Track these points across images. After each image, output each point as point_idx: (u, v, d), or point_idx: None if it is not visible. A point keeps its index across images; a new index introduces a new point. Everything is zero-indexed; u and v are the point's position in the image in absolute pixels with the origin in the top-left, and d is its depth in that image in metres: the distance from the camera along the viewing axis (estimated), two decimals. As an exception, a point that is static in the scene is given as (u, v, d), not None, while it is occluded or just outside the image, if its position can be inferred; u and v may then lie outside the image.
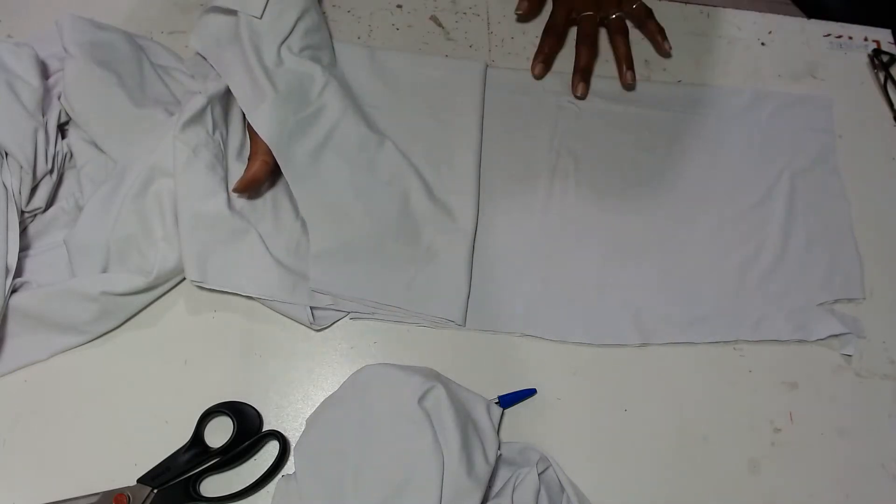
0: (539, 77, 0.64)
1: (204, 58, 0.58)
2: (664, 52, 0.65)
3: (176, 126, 0.53)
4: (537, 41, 0.71)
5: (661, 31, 0.66)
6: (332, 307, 0.54)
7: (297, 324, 0.54)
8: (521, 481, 0.46)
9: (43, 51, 0.58)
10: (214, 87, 0.56)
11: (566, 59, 0.70)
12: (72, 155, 0.57)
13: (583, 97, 0.63)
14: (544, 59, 0.64)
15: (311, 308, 0.53)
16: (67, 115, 0.57)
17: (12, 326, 0.50)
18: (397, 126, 0.62)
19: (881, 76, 0.74)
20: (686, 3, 0.76)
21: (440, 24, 0.71)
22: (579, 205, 0.61)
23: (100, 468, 0.47)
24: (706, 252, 0.61)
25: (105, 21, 0.61)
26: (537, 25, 0.72)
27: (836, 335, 0.58)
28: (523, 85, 0.68)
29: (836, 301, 0.60)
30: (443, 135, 0.62)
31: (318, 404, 0.49)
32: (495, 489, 0.47)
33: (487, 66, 0.67)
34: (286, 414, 0.51)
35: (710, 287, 0.59)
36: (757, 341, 0.57)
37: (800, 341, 0.57)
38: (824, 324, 0.58)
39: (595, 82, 0.68)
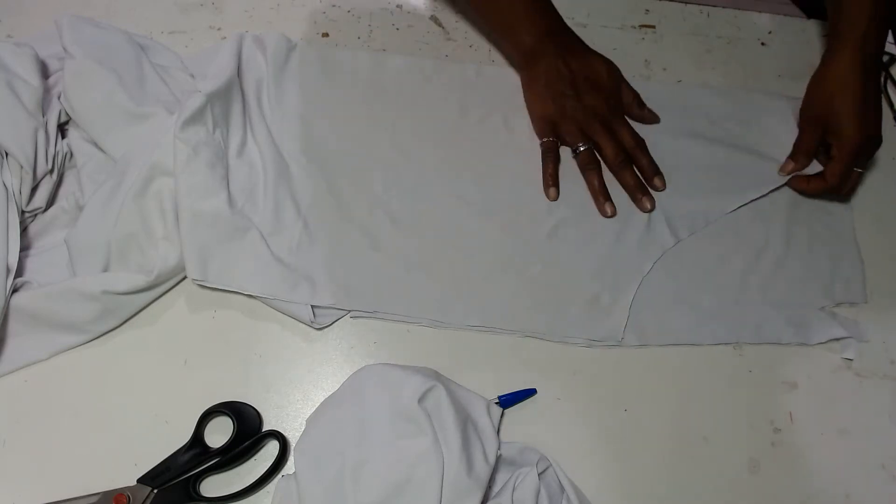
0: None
1: None
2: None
3: (176, 125, 0.53)
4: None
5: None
6: (334, 306, 0.54)
7: (297, 323, 0.54)
8: (521, 481, 0.46)
9: (43, 51, 0.58)
10: (214, 85, 0.56)
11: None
12: (72, 154, 0.57)
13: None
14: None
15: (312, 307, 0.53)
16: (67, 114, 0.57)
17: (13, 326, 0.50)
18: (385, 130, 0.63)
19: (881, 76, 0.73)
20: (686, 3, 0.76)
21: (440, 24, 0.71)
22: (579, 203, 0.61)
23: (100, 468, 0.47)
24: (708, 255, 0.61)
25: (105, 21, 0.61)
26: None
27: (836, 339, 0.57)
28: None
29: (837, 304, 0.60)
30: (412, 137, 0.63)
31: (318, 404, 0.49)
32: (495, 489, 0.47)
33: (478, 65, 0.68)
34: (286, 414, 0.51)
35: (711, 290, 0.59)
36: (756, 342, 0.57)
37: (800, 343, 0.57)
38: (825, 328, 0.58)
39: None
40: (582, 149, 0.61)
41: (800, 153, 0.64)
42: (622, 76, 0.65)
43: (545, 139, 0.62)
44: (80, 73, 0.55)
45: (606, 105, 0.62)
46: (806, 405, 0.55)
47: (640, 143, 0.62)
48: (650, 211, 0.60)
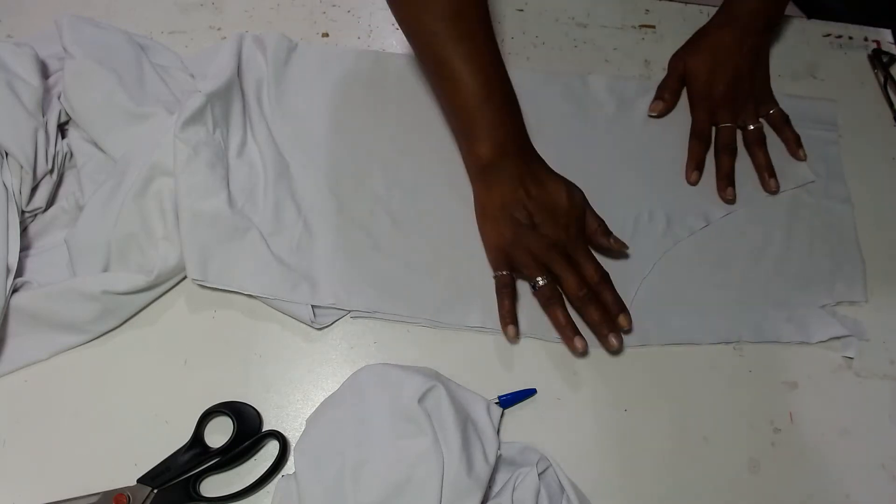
0: (695, 184, 0.64)
1: None
2: (799, 158, 0.65)
3: (176, 125, 0.53)
4: (537, 41, 0.71)
5: (797, 138, 0.66)
6: (334, 306, 0.54)
7: (297, 323, 0.54)
8: (521, 481, 0.46)
9: (43, 51, 0.58)
10: (214, 85, 0.56)
11: (567, 61, 0.70)
12: (72, 154, 0.57)
13: (732, 200, 0.63)
14: (697, 165, 0.64)
15: (313, 306, 0.53)
16: (67, 114, 0.57)
17: (13, 326, 0.50)
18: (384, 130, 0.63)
19: (881, 76, 0.74)
20: (686, 3, 0.76)
21: (440, 24, 0.71)
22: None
23: (100, 468, 0.47)
24: (708, 254, 0.61)
25: (105, 21, 0.61)
26: (536, 24, 0.72)
27: (837, 337, 0.57)
28: (522, 85, 0.68)
29: (837, 303, 0.60)
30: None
31: (318, 404, 0.49)
32: (495, 489, 0.47)
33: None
34: (286, 414, 0.51)
35: (711, 290, 0.59)
36: (757, 341, 0.57)
37: (800, 342, 0.57)
38: (826, 326, 0.58)
39: (596, 82, 0.68)
40: (541, 283, 0.55)
41: (665, 90, 0.68)
42: (586, 202, 0.58)
43: (499, 273, 0.56)
44: (80, 73, 0.55)
45: (566, 234, 0.55)
46: (806, 405, 0.55)
47: (604, 276, 0.55)
48: (617, 349, 0.54)
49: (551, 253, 0.55)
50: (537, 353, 0.55)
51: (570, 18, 0.73)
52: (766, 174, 0.64)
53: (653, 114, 0.67)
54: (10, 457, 0.47)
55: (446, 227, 0.59)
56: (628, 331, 0.55)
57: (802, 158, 0.65)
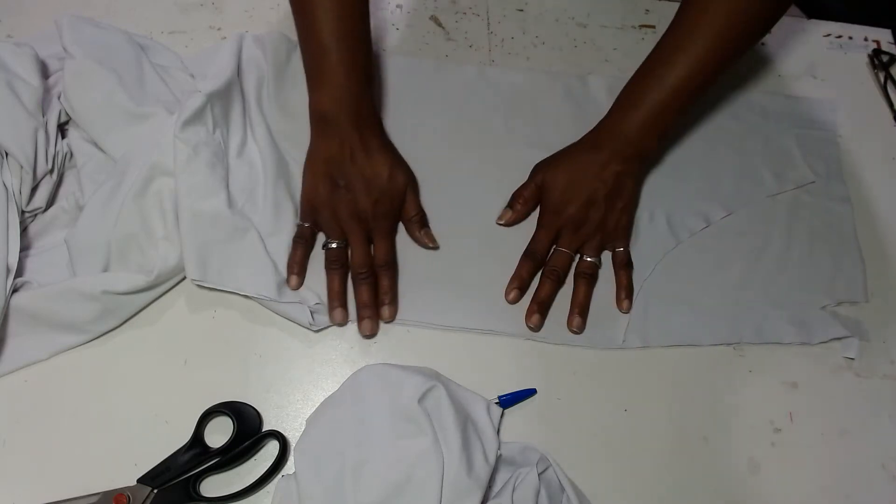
0: (512, 303, 0.57)
1: None
2: (621, 307, 0.57)
3: (176, 125, 0.53)
4: (537, 41, 0.71)
5: (629, 287, 0.58)
6: (333, 307, 0.54)
7: (297, 323, 0.54)
8: (521, 481, 0.46)
9: (43, 51, 0.58)
10: (214, 85, 0.56)
11: (567, 62, 0.70)
12: (72, 154, 0.57)
13: (535, 329, 0.55)
14: (520, 284, 0.57)
15: (311, 310, 0.53)
16: (67, 114, 0.57)
17: (13, 326, 0.50)
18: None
19: (881, 76, 0.74)
20: (686, 3, 0.76)
21: (440, 24, 0.71)
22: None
23: (100, 468, 0.47)
24: (708, 255, 0.61)
25: (105, 21, 0.61)
26: (536, 24, 0.72)
27: (838, 338, 0.57)
28: (522, 85, 0.68)
29: (838, 303, 0.60)
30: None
31: (318, 404, 0.49)
32: (495, 489, 0.47)
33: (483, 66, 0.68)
34: (286, 414, 0.51)
35: (712, 291, 0.59)
36: (758, 342, 0.57)
37: (801, 343, 0.57)
38: (827, 327, 0.58)
39: (596, 82, 0.68)
40: (332, 245, 0.56)
41: (519, 199, 0.61)
42: (412, 189, 0.58)
43: (301, 223, 0.57)
44: (80, 73, 0.55)
45: (373, 209, 0.56)
46: (806, 405, 0.55)
47: (391, 263, 0.56)
48: (367, 336, 0.54)
49: (352, 222, 0.56)
50: (537, 354, 0.55)
51: (570, 18, 0.73)
52: (577, 311, 0.56)
53: (500, 222, 0.60)
54: (10, 457, 0.47)
55: (445, 228, 0.59)
56: (388, 321, 0.55)
57: (624, 309, 0.57)
